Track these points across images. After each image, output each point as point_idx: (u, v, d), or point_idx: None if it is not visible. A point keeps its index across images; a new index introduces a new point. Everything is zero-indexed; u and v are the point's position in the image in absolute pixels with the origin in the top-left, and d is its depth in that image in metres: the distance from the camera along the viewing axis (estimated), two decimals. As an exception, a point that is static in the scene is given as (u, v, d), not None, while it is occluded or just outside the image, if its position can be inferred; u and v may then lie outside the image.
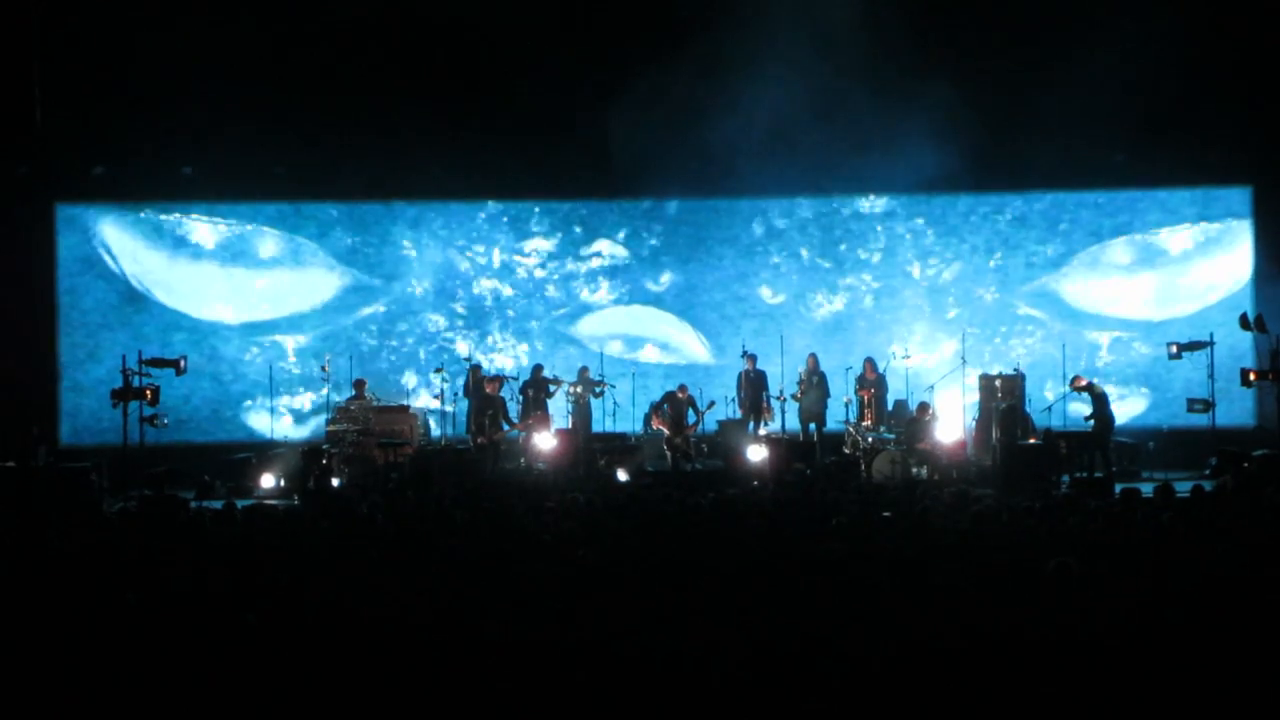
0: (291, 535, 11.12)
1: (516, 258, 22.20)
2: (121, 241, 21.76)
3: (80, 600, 8.08)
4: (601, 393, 20.40)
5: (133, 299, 21.73)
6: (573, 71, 20.50)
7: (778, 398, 20.17)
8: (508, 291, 22.17)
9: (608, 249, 22.29)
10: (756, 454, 18.90)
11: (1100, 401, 18.97)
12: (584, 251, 22.26)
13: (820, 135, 20.23)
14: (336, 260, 22.03)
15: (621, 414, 20.50)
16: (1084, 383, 19.24)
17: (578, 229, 22.29)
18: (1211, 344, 19.61)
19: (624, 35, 20.25)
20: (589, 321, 22.19)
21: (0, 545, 10.36)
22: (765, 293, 22.17)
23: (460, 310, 22.14)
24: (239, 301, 21.84)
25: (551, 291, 22.22)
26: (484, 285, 22.17)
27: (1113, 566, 8.90)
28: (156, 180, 21.36)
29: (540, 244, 22.21)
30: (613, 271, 22.26)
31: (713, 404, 20.16)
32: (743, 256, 22.21)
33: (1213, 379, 19.56)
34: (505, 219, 22.19)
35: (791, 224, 22.23)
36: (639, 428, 20.68)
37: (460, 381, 20.75)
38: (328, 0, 19.89)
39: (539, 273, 22.23)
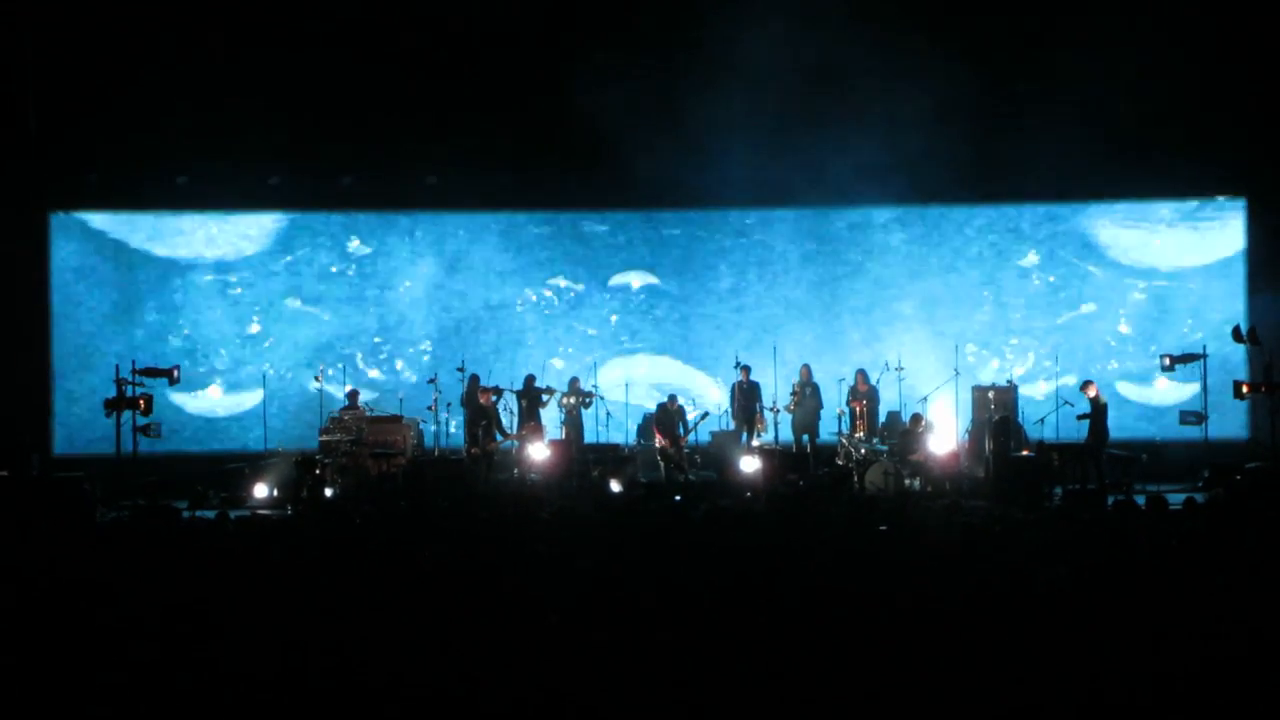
0: (284, 546, 11.08)
1: (510, 269, 22.17)
2: (115, 249, 21.73)
3: (72, 611, 8.05)
4: (590, 403, 20.40)
5: (127, 307, 21.70)
6: (569, 81, 20.47)
7: (771, 409, 20.18)
8: (502, 302, 22.15)
9: (602, 256, 22.29)
10: (750, 465, 18.90)
11: (1101, 413, 18.88)
12: (578, 259, 22.25)
13: (814, 146, 20.26)
14: (330, 270, 22.02)
15: (614, 424, 20.50)
16: (1094, 392, 19.11)
17: (570, 239, 22.28)
18: (1204, 356, 19.64)
19: (621, 42, 20.25)
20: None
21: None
22: (758, 304, 22.15)
23: (452, 320, 22.11)
24: (232, 309, 21.84)
25: (545, 302, 22.20)
26: (478, 295, 22.15)
27: (1104, 579, 8.89)
28: (151, 188, 21.38)
29: (534, 254, 22.20)
30: (607, 282, 22.24)
31: (705, 414, 20.16)
32: (735, 267, 22.21)
33: (1206, 391, 19.58)
34: (498, 229, 22.17)
35: (784, 235, 22.20)
36: (632, 438, 20.68)
37: (458, 392, 20.70)
38: (322, 9, 19.93)
39: (532, 286, 22.21)
